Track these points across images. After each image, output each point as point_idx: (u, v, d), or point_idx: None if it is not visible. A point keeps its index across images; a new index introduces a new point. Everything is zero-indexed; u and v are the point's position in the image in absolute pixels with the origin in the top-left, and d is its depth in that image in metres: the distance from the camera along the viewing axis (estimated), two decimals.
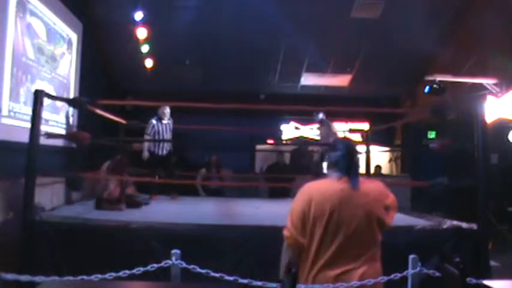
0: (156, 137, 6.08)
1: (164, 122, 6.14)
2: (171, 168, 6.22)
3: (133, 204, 4.96)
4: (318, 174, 6.53)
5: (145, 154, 6.04)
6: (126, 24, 7.19)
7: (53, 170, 5.04)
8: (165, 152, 6.15)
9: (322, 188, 2.14)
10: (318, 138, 7.42)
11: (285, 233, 2.14)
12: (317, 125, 7.03)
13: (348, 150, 2.20)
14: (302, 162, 7.89)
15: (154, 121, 6.10)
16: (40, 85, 5.10)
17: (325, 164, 2.33)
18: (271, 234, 3.69)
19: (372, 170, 9.04)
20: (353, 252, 2.07)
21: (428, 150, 4.71)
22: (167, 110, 6.19)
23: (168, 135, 6.20)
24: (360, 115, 10.47)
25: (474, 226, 3.90)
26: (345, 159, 2.17)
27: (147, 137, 6.10)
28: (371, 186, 2.18)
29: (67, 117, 6.17)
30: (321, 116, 6.65)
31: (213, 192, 7.39)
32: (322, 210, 2.06)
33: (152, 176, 5.97)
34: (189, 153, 8.12)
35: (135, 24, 7.09)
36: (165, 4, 7.45)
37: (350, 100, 9.18)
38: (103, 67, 8.13)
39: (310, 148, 7.75)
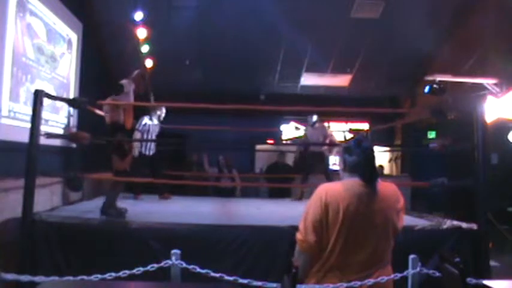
0: (145, 136, 6.02)
1: (155, 122, 6.16)
2: (156, 168, 6.15)
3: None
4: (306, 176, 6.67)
5: (136, 152, 5.83)
6: (126, 24, 7.18)
7: (53, 170, 5.04)
8: (151, 152, 6.12)
9: (341, 191, 2.04)
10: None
11: (298, 236, 2.08)
12: (307, 128, 7.04)
13: (366, 154, 2.08)
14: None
15: (147, 119, 6.08)
16: (40, 85, 5.09)
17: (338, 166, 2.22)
18: (271, 234, 3.71)
19: None
20: (370, 258, 2.03)
21: (428, 150, 4.70)
22: (163, 112, 6.21)
23: (154, 137, 6.20)
24: (360, 115, 10.47)
25: (474, 226, 3.90)
26: (363, 164, 2.06)
27: (138, 133, 5.93)
28: (387, 191, 2.09)
29: (68, 117, 6.17)
30: (314, 118, 6.70)
31: (224, 193, 7.42)
32: (339, 215, 2.00)
33: (137, 175, 5.91)
34: (196, 154, 8.15)
35: (135, 24, 7.08)
36: (165, 4, 7.44)
37: (350, 100, 9.18)
38: (103, 67, 8.12)
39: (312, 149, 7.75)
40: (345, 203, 2.01)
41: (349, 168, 2.11)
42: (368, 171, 2.06)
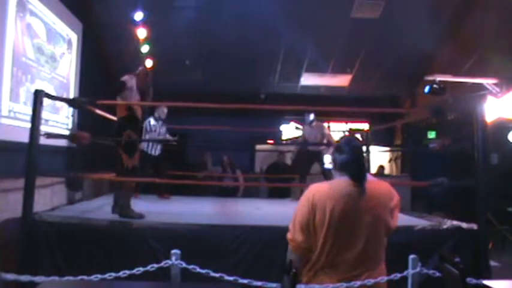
0: (151, 136, 6.15)
1: (160, 122, 6.27)
2: (160, 168, 6.23)
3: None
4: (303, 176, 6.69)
5: (156, 152, 6.13)
6: (126, 25, 7.19)
7: (53, 170, 5.04)
8: (157, 152, 6.22)
9: (329, 192, 2.05)
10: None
11: (289, 236, 2.10)
12: (305, 127, 7.05)
13: (355, 153, 2.11)
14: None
15: (152, 120, 6.21)
16: (40, 85, 5.10)
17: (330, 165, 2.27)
18: (271, 234, 3.71)
19: (375, 170, 9.06)
20: (360, 257, 2.02)
21: (429, 150, 4.70)
22: (165, 111, 6.30)
23: (161, 137, 6.29)
24: (360, 115, 10.47)
25: (474, 226, 3.90)
26: (352, 162, 2.08)
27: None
28: (378, 189, 2.10)
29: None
30: (312, 117, 6.70)
31: (226, 193, 7.44)
32: (328, 215, 2.00)
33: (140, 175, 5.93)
34: (203, 154, 8.19)
35: (135, 24, 7.10)
36: (165, 4, 7.44)
37: (350, 100, 9.18)
38: (103, 67, 8.13)
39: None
40: (332, 203, 2.01)
41: (339, 167, 2.14)
42: (357, 170, 2.08)
